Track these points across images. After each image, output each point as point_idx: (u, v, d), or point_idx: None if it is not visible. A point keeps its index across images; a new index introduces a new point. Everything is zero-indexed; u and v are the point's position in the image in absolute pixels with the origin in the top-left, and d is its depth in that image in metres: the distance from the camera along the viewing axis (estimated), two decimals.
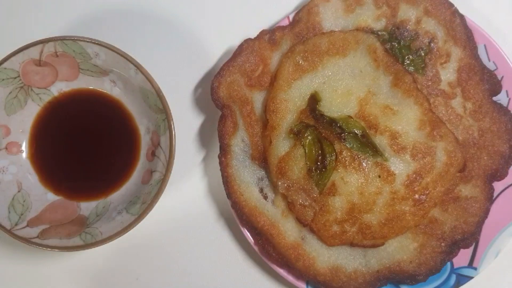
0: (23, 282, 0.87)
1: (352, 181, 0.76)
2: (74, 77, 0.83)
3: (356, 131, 0.77)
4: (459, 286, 0.81)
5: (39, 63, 0.78)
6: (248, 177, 0.80)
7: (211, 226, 0.88)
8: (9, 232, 0.75)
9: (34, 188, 0.81)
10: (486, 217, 0.80)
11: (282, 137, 0.78)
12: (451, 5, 0.80)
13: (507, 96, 0.83)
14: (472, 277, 0.81)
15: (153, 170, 0.81)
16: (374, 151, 0.76)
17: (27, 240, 0.74)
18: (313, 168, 0.77)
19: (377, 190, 0.76)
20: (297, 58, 0.78)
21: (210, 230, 0.88)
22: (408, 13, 0.80)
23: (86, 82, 0.83)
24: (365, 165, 0.76)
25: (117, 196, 0.83)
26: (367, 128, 0.77)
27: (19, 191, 0.80)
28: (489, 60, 0.83)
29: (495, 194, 0.81)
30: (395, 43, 0.80)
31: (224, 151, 0.79)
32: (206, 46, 0.89)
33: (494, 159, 0.80)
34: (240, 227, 0.81)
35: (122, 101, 0.84)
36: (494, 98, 0.81)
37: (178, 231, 0.88)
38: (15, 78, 0.78)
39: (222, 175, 0.79)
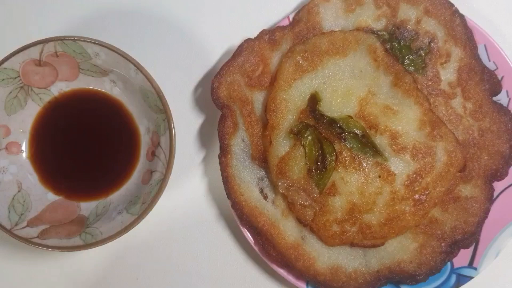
0: (23, 282, 0.87)
1: (352, 181, 0.76)
2: (74, 77, 0.83)
3: (356, 131, 0.77)
4: (459, 286, 0.81)
5: (39, 63, 0.78)
6: (248, 177, 0.80)
7: (211, 226, 0.88)
8: (9, 232, 0.75)
9: (34, 188, 0.81)
10: (486, 217, 0.80)
11: (282, 137, 0.78)
12: (451, 5, 0.80)
13: (507, 96, 0.83)
14: (472, 277, 0.81)
15: (153, 170, 0.81)
16: (374, 151, 0.76)
17: (27, 240, 0.74)
18: (313, 168, 0.77)
19: (377, 190, 0.76)
20: (297, 58, 0.78)
21: (210, 230, 0.88)
22: (408, 13, 0.80)
23: (86, 82, 0.83)
24: (365, 165, 0.76)
25: (117, 196, 0.83)
26: (367, 128, 0.77)
27: (19, 191, 0.80)
28: (489, 60, 0.83)
29: (495, 194, 0.81)
30: (395, 43, 0.80)
31: (224, 151, 0.79)
32: (206, 46, 0.89)
33: (494, 159, 0.80)
34: (240, 227, 0.81)
35: (122, 101, 0.84)
36: (494, 98, 0.81)
37: (178, 231, 0.88)
38: (15, 78, 0.78)
39: (222, 175, 0.79)
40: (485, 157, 0.80)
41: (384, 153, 0.76)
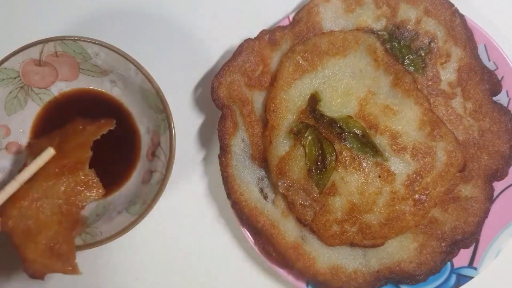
0: (23, 282, 0.87)
1: (352, 181, 0.76)
2: (74, 77, 0.83)
3: (356, 131, 0.77)
4: (459, 286, 0.81)
5: (39, 63, 0.78)
6: (248, 177, 0.80)
7: (211, 226, 0.88)
8: None
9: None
10: (486, 217, 0.80)
11: (282, 137, 0.78)
12: (451, 5, 0.80)
13: (507, 96, 0.83)
14: (472, 277, 0.81)
15: (153, 170, 0.81)
16: (374, 151, 0.76)
17: None
18: (313, 168, 0.77)
19: (377, 190, 0.76)
20: (297, 58, 0.78)
21: (210, 230, 0.88)
22: (408, 13, 0.80)
23: (86, 82, 0.83)
24: (365, 165, 0.76)
25: (117, 196, 0.83)
26: (367, 128, 0.77)
27: None
28: (489, 60, 0.83)
29: (495, 194, 0.81)
30: (395, 43, 0.80)
31: (224, 151, 0.79)
32: (206, 46, 0.89)
33: (494, 159, 0.80)
34: (240, 227, 0.81)
35: (122, 101, 0.84)
36: (494, 98, 0.81)
37: (178, 231, 0.88)
38: (15, 78, 0.78)
39: (222, 175, 0.79)
40: (485, 157, 0.80)
41: (384, 153, 0.76)
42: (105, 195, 0.83)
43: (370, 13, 0.80)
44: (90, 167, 0.84)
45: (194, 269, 0.87)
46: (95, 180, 0.74)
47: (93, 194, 0.74)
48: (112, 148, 0.85)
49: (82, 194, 0.73)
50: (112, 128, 0.80)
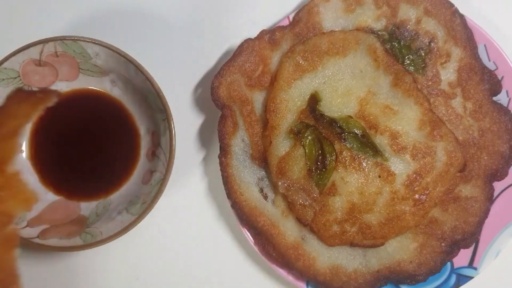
0: (23, 282, 0.87)
1: (352, 181, 0.76)
2: (74, 77, 0.83)
3: (356, 131, 0.77)
4: (459, 286, 0.81)
5: (39, 63, 0.78)
6: (248, 177, 0.80)
7: (211, 226, 0.88)
8: None
9: (34, 188, 0.81)
10: (486, 217, 0.80)
11: (282, 137, 0.78)
12: (451, 5, 0.80)
13: (507, 96, 0.83)
14: (472, 277, 0.81)
15: (153, 170, 0.81)
16: (374, 151, 0.76)
17: (27, 240, 0.74)
18: (313, 168, 0.77)
19: (377, 190, 0.76)
20: (297, 58, 0.78)
21: (210, 230, 0.88)
22: (408, 13, 0.80)
23: (86, 82, 0.83)
24: (365, 165, 0.76)
25: (117, 196, 0.83)
26: (367, 128, 0.77)
27: None
28: (489, 60, 0.83)
29: (495, 194, 0.81)
30: (395, 43, 0.80)
31: (224, 151, 0.79)
32: (206, 46, 0.89)
33: (494, 159, 0.80)
34: (240, 227, 0.81)
35: (122, 101, 0.84)
36: (494, 98, 0.81)
37: (178, 231, 0.88)
38: (15, 78, 0.78)
39: (222, 175, 0.79)
40: (485, 157, 0.80)
41: (384, 153, 0.76)
42: (105, 195, 0.83)
43: (370, 13, 0.80)
44: (91, 168, 0.85)
45: (194, 269, 0.87)
46: (20, 186, 0.57)
47: (18, 203, 0.56)
48: (112, 148, 0.85)
49: (6, 203, 0.56)
50: (51, 104, 0.61)
